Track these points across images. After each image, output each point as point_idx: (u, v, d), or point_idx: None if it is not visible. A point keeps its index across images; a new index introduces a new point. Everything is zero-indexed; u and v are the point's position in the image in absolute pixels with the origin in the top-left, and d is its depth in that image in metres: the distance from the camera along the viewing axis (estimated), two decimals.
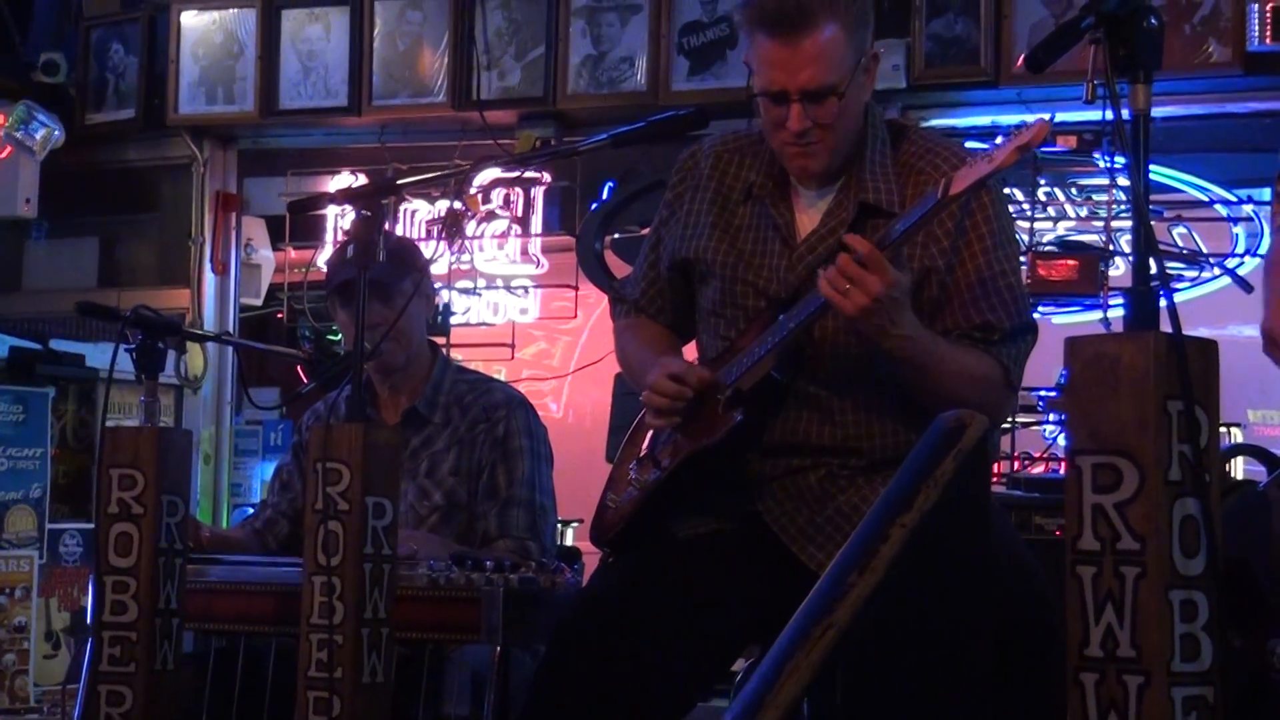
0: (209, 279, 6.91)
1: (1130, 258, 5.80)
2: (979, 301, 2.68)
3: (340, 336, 6.61)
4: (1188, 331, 1.80)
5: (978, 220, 2.70)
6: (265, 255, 7.14)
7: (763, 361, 2.67)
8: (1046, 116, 2.43)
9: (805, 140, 2.68)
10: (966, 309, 2.68)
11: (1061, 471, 5.22)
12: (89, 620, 3.07)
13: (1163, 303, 1.83)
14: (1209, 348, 1.82)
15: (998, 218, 2.72)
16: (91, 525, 3.09)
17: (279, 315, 7.09)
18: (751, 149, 2.86)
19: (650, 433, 2.86)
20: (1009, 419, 5.36)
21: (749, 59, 2.72)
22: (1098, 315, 5.47)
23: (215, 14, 6.81)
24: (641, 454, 2.85)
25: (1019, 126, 2.46)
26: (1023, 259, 5.40)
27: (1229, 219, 6.17)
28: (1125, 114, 1.89)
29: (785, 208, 2.79)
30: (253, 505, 5.92)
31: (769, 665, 1.97)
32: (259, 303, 7.21)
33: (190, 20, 6.82)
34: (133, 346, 3.14)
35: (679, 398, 2.69)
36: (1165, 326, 1.81)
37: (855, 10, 2.68)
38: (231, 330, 6.81)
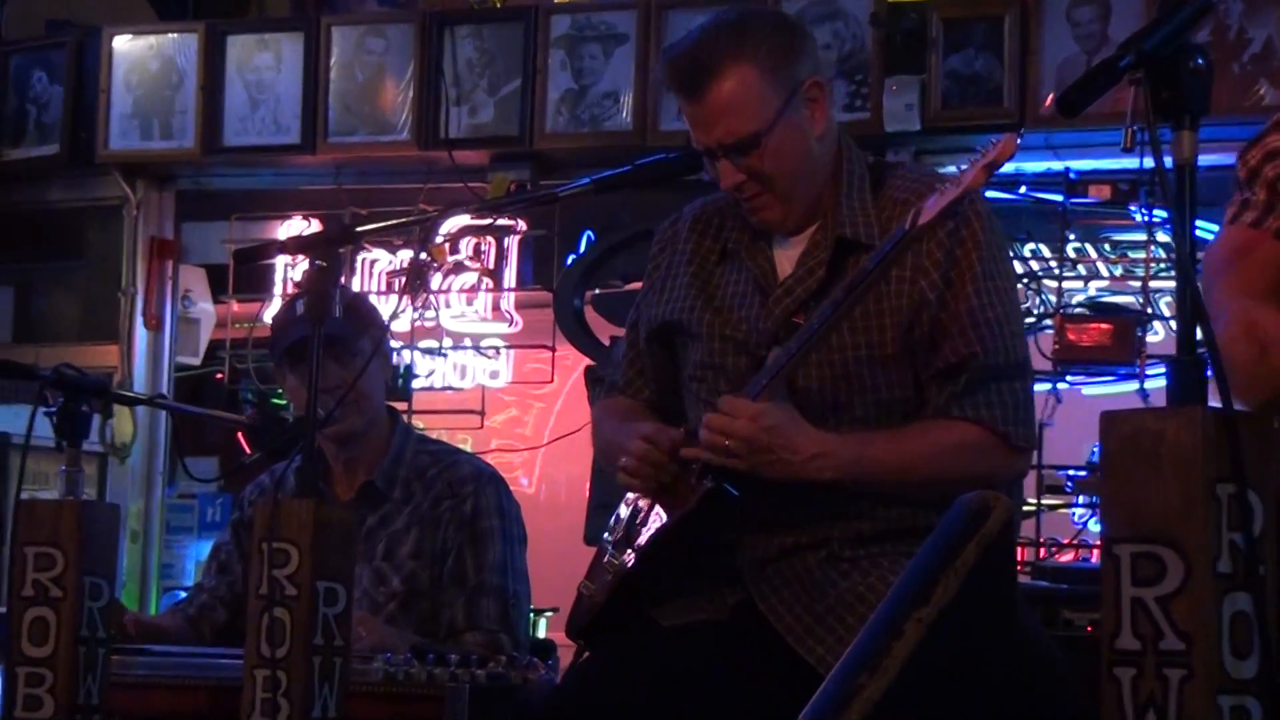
0: (140, 335, 6.90)
1: (1172, 322, 5.83)
2: (966, 333, 2.71)
3: (288, 402, 6.61)
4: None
5: (968, 249, 2.73)
6: (205, 309, 7.13)
7: None
8: (1016, 135, 2.51)
9: (745, 192, 2.75)
10: (954, 342, 2.71)
11: (1092, 559, 5.22)
12: None
13: (1210, 373, 1.84)
14: (1264, 424, 1.82)
15: (987, 246, 2.75)
16: (2, 609, 3.07)
17: (219, 376, 7.08)
18: (731, 208, 2.91)
19: (629, 514, 2.87)
20: (1034, 499, 5.37)
21: None
22: (1133, 386, 5.48)
23: (152, 39, 6.83)
24: (619, 534, 2.86)
25: (989, 143, 2.54)
26: (1048, 321, 5.46)
27: None
28: (1167, 163, 1.90)
29: (763, 258, 2.84)
30: (185, 588, 5.89)
31: None
32: (197, 362, 7.20)
33: (123, 45, 6.84)
34: (52, 410, 3.13)
35: (647, 458, 2.71)
36: (1213, 400, 1.82)
37: (770, 45, 2.73)
38: (165, 392, 6.79)
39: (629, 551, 2.81)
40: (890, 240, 2.60)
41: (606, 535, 2.91)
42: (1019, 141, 2.54)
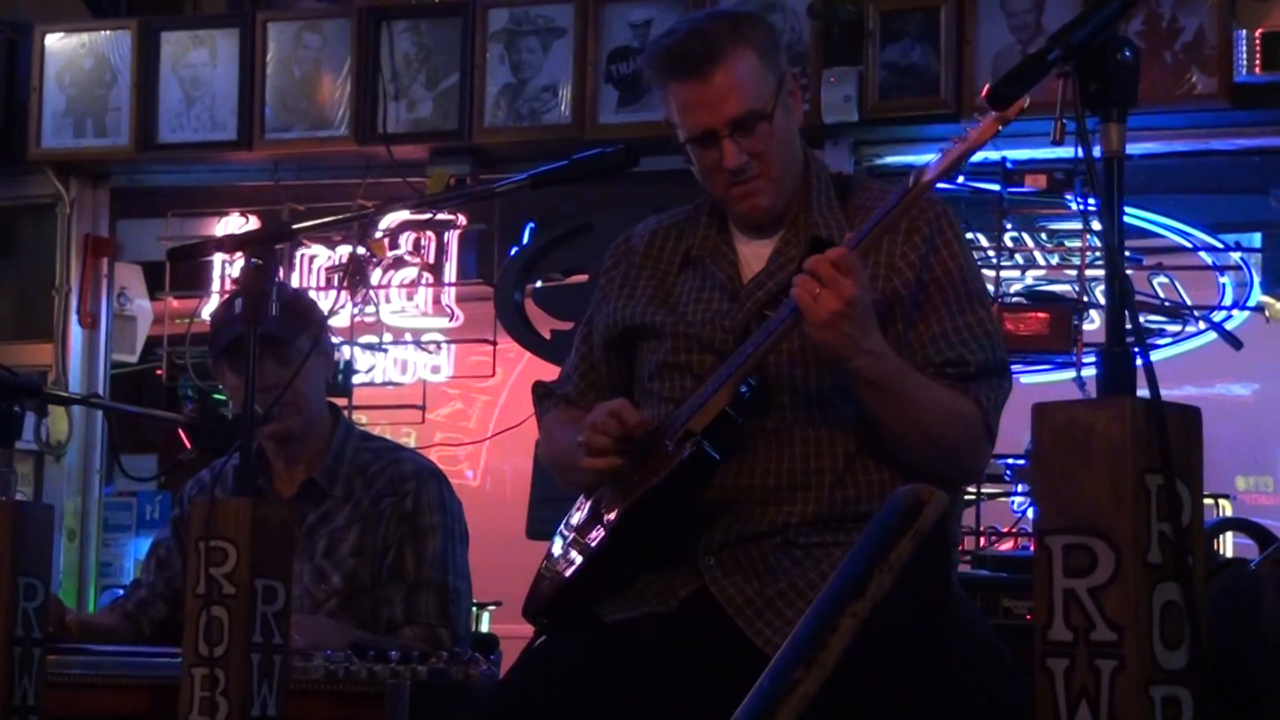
0: (75, 333, 6.84)
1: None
2: (949, 335, 2.76)
3: (228, 398, 6.57)
4: (1171, 393, 1.82)
5: (942, 255, 2.80)
6: (141, 306, 7.08)
7: (716, 397, 2.69)
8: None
9: (746, 175, 2.79)
10: (937, 342, 2.76)
11: (1031, 548, 5.25)
12: None
13: (1140, 364, 1.85)
14: (1191, 415, 1.83)
15: (962, 252, 2.83)
16: None
17: (158, 373, 7.03)
18: (688, 222, 2.98)
19: (593, 501, 2.86)
20: (973, 488, 5.40)
21: (669, 116, 2.85)
22: (1071, 374, 5.51)
23: (85, 36, 6.77)
24: (582, 518, 2.85)
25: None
26: None
27: (1215, 267, 6.24)
28: (1096, 153, 1.91)
29: (728, 263, 2.88)
30: (124, 587, 5.86)
31: None
32: (134, 359, 7.15)
33: (56, 43, 6.78)
34: None
35: (611, 432, 2.71)
36: (1144, 390, 1.83)
37: (762, 34, 2.84)
38: (101, 391, 6.74)
39: (596, 529, 2.80)
40: (896, 194, 2.62)
41: (570, 521, 2.90)
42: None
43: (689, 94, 2.79)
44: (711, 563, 2.73)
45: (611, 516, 2.77)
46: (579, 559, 2.81)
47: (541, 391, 3.12)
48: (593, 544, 2.79)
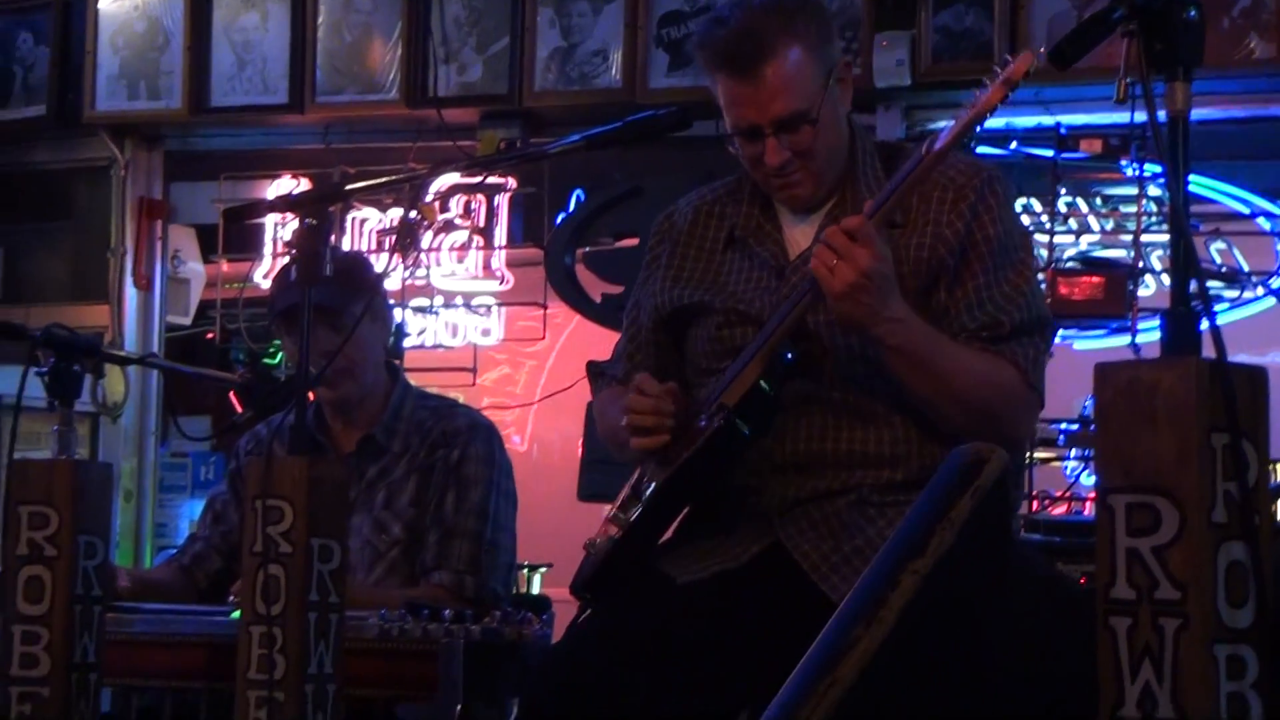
0: (130, 295, 6.90)
1: (1162, 275, 5.81)
2: (984, 302, 2.75)
3: (280, 358, 6.60)
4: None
5: (984, 220, 2.78)
6: (194, 268, 7.13)
7: (747, 371, 2.70)
8: (1038, 49, 2.48)
9: (787, 170, 2.79)
10: (972, 308, 2.75)
11: (1085, 513, 5.24)
12: None
13: (1205, 325, 1.84)
14: (1257, 375, 1.82)
15: (1005, 218, 2.81)
16: None
17: (210, 335, 7.07)
18: (730, 195, 2.97)
19: (636, 476, 2.88)
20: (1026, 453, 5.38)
21: (716, 100, 2.82)
22: (1125, 339, 5.49)
23: (137, 0, 6.80)
24: (626, 494, 2.87)
25: (1005, 60, 2.55)
26: (1041, 276, 5.46)
27: (1273, 233, 6.19)
28: (1160, 116, 1.90)
29: (772, 242, 2.88)
30: (179, 547, 5.90)
31: None
32: (187, 321, 7.20)
33: (109, 6, 6.82)
34: (44, 370, 3.13)
35: (649, 410, 2.73)
36: (1206, 352, 1.82)
37: (815, 26, 2.80)
38: (156, 352, 6.78)
39: (636, 505, 2.81)
40: (911, 163, 2.63)
41: (618, 497, 2.91)
42: (1031, 64, 2.51)
43: (735, 90, 2.77)
44: (785, 520, 2.74)
45: (648, 493, 2.79)
46: (618, 534, 2.83)
47: (595, 370, 3.14)
48: (631, 519, 2.81)
